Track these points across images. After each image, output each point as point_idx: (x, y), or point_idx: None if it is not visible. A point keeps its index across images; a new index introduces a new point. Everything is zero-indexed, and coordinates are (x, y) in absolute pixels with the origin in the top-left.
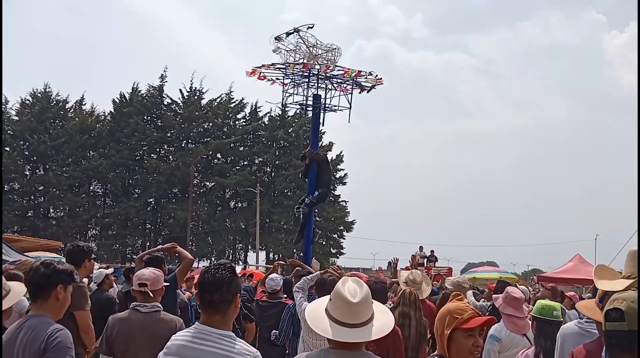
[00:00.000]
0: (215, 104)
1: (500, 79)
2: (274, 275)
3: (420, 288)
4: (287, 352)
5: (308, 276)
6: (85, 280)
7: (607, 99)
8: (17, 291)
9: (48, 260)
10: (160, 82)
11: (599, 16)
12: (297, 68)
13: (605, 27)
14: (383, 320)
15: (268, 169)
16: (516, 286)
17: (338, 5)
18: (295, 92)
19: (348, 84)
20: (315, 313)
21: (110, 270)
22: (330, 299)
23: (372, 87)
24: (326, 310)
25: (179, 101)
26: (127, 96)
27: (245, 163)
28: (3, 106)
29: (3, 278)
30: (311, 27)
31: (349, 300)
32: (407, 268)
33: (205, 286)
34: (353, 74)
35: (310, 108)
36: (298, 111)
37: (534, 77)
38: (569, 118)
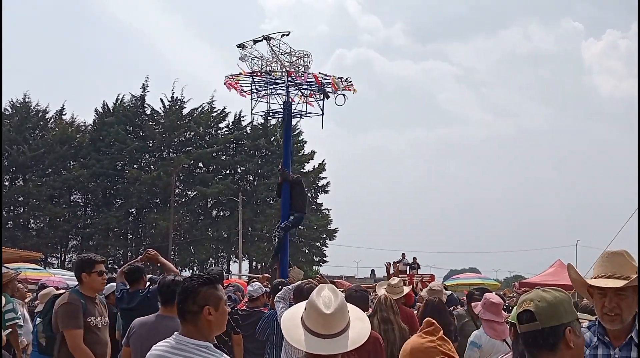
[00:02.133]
0: (197, 113)
1: (481, 87)
2: (255, 283)
3: (401, 291)
4: None
5: (289, 286)
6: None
7: (586, 106)
8: None
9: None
10: (142, 91)
11: (576, 24)
12: (265, 76)
13: (582, 35)
14: (357, 328)
15: (250, 178)
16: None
17: (318, 14)
18: (267, 100)
19: (314, 91)
20: (290, 320)
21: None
22: (306, 308)
23: (341, 93)
24: (302, 318)
25: (160, 111)
26: (109, 105)
27: (227, 171)
28: None
29: None
30: (286, 35)
31: (322, 310)
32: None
33: (177, 295)
34: (325, 81)
35: (281, 115)
36: (280, 120)
37: (514, 85)
38: (549, 125)
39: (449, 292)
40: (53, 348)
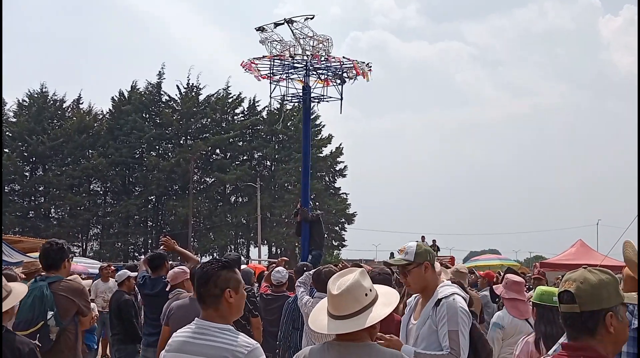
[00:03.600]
0: (213, 99)
1: (497, 66)
2: (280, 268)
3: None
4: (289, 345)
5: (310, 271)
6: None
7: (604, 83)
8: (19, 291)
9: None
10: (158, 79)
11: (593, 0)
12: (285, 60)
13: (600, 11)
14: (375, 312)
15: (268, 164)
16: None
17: None
18: (285, 85)
19: (330, 76)
20: (318, 309)
21: (135, 274)
22: None
23: (355, 77)
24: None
25: (176, 98)
26: (125, 93)
27: (245, 157)
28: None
29: (4, 279)
30: (311, 18)
31: (331, 292)
32: None
33: (196, 280)
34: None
35: (298, 100)
36: (296, 104)
37: (531, 63)
38: (567, 103)
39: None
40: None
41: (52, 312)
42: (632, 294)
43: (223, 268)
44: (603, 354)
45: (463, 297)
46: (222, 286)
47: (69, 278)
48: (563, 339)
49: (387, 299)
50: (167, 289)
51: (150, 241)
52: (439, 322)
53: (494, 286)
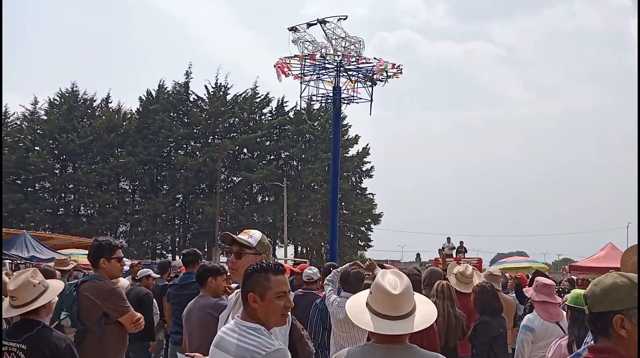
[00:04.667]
0: (241, 99)
1: (525, 67)
2: (312, 268)
3: (470, 282)
4: (319, 344)
5: (338, 269)
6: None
7: (634, 84)
8: (55, 288)
9: None
10: (186, 78)
11: (624, 0)
12: (317, 60)
13: (630, 11)
14: (425, 310)
15: (294, 163)
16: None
17: None
18: (315, 85)
19: (360, 78)
20: (356, 307)
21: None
22: (371, 292)
23: (386, 79)
24: (367, 303)
25: (204, 97)
26: (153, 93)
27: (272, 157)
28: (33, 106)
29: (40, 274)
30: (344, 19)
31: (390, 291)
32: (436, 261)
33: None
34: (375, 65)
35: (331, 100)
36: (323, 104)
37: (559, 64)
38: (596, 104)
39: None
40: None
41: (67, 313)
42: None
43: (255, 271)
44: (625, 357)
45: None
46: (247, 289)
47: (111, 278)
48: (589, 341)
49: (420, 297)
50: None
51: (177, 240)
52: None
53: (523, 289)
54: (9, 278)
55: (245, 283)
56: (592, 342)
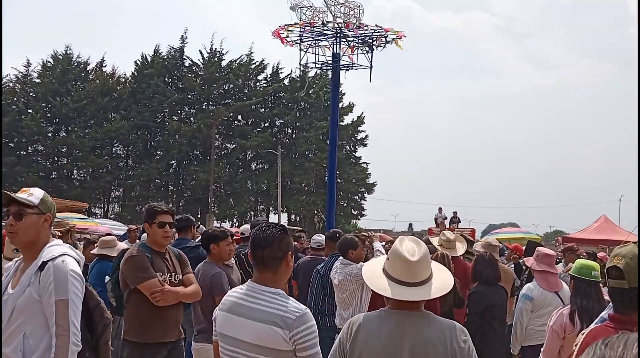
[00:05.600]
0: (236, 65)
1: (522, 38)
2: (319, 234)
3: (454, 247)
4: (318, 309)
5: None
6: None
7: (631, 57)
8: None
9: None
10: (181, 43)
11: None
12: (316, 27)
13: None
14: (442, 278)
15: (289, 131)
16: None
17: None
18: (314, 52)
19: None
20: (372, 273)
21: None
22: (388, 258)
23: (385, 45)
24: (384, 269)
25: (199, 63)
26: (148, 57)
27: (266, 124)
28: (26, 68)
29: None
30: None
31: (407, 258)
32: (429, 230)
33: (257, 243)
34: (378, 32)
35: (330, 67)
36: (318, 72)
37: (557, 36)
38: (592, 76)
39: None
40: (122, 308)
41: (109, 278)
42: None
43: (285, 233)
44: None
45: (76, 259)
46: (285, 250)
47: (153, 243)
48: (605, 313)
49: (436, 265)
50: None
51: (171, 205)
52: (44, 290)
53: (524, 259)
54: None
55: (279, 245)
56: (612, 311)
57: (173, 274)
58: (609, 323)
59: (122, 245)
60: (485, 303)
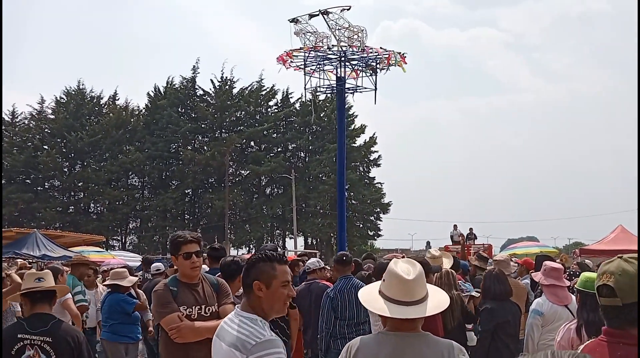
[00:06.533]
0: (247, 92)
1: (531, 52)
2: (313, 258)
3: (441, 263)
4: (330, 333)
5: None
6: None
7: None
8: (61, 289)
9: None
10: (193, 73)
11: None
12: (320, 51)
13: None
14: (437, 298)
15: (302, 155)
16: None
17: None
18: (318, 76)
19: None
20: (369, 294)
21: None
22: (384, 280)
23: (388, 68)
24: (380, 291)
25: (211, 92)
26: (161, 89)
27: (279, 149)
28: (40, 105)
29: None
30: (347, 9)
31: (403, 277)
32: (446, 248)
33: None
34: (383, 55)
35: (335, 90)
36: (329, 95)
37: (566, 48)
38: (604, 88)
39: (515, 265)
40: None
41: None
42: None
43: (260, 261)
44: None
45: None
46: (253, 277)
47: (183, 276)
48: None
49: (431, 286)
50: None
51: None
52: None
53: (532, 274)
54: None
55: (248, 272)
56: (605, 326)
57: (203, 306)
58: (603, 338)
59: (133, 278)
60: (497, 320)
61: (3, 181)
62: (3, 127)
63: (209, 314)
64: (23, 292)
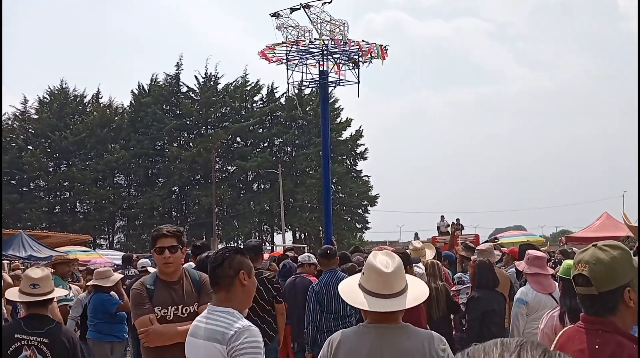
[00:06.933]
0: (232, 88)
1: (515, 42)
2: (305, 254)
3: (424, 254)
4: (316, 326)
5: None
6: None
7: (624, 53)
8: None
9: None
10: (176, 70)
11: None
12: (302, 45)
13: None
14: (417, 289)
15: (288, 149)
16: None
17: None
18: (301, 70)
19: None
20: (349, 287)
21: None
22: (363, 273)
23: (370, 61)
24: (359, 284)
25: (195, 88)
26: (145, 86)
27: (265, 144)
28: (23, 105)
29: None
30: (329, 3)
31: (382, 270)
32: (433, 239)
33: (210, 263)
34: (365, 48)
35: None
36: (313, 89)
37: (549, 36)
38: (587, 75)
39: (499, 253)
40: None
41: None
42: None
43: (237, 253)
44: (621, 329)
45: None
46: (237, 268)
47: (160, 272)
48: None
49: (411, 278)
50: None
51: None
52: None
53: (515, 263)
54: (21, 272)
55: (230, 265)
56: (583, 313)
57: (180, 307)
58: (581, 325)
59: (117, 276)
60: (484, 309)
61: None
62: None
63: (186, 315)
64: (22, 301)
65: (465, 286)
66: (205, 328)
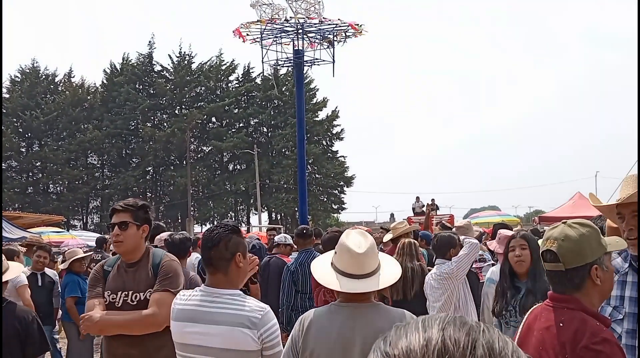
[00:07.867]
0: (206, 67)
1: (491, 26)
2: (282, 234)
3: (471, 229)
4: (290, 306)
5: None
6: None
7: (599, 36)
8: (14, 269)
9: None
10: (149, 49)
11: None
12: (277, 23)
13: None
14: (390, 269)
15: (264, 130)
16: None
17: None
18: (276, 49)
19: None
20: (321, 267)
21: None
22: (336, 252)
23: (345, 40)
24: (332, 263)
25: (169, 67)
26: (117, 65)
27: (241, 124)
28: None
29: (4, 257)
30: None
31: (354, 251)
32: (409, 219)
33: (204, 244)
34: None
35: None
36: (290, 69)
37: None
38: (558, 56)
39: (478, 229)
40: None
41: None
42: (613, 239)
43: (233, 233)
44: (587, 306)
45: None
46: (233, 250)
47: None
48: None
49: (387, 259)
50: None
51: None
52: None
53: (487, 242)
54: None
55: (226, 245)
56: (550, 291)
57: (130, 293)
58: (549, 303)
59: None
60: None
61: None
62: None
63: (135, 302)
64: None
65: (487, 263)
66: (214, 312)
